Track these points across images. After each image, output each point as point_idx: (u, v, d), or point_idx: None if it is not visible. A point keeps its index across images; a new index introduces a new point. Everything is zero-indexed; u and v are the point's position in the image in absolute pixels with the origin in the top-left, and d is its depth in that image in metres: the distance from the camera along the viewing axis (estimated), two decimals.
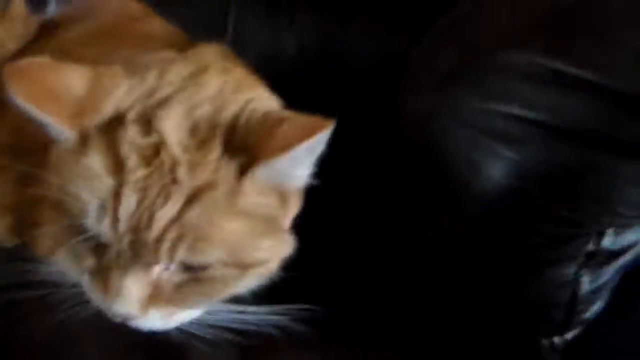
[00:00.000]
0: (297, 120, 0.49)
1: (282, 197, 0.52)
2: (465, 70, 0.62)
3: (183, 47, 0.74)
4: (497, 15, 0.64)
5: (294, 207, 0.56)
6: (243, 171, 0.48)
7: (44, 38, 0.76)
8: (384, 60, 1.17)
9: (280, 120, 0.49)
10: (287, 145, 0.47)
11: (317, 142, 0.47)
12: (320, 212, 0.59)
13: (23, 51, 0.74)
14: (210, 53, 0.60)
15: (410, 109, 0.67)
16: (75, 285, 0.55)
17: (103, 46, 0.70)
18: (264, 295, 0.56)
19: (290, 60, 0.89)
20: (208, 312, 0.54)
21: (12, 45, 0.74)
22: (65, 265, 0.57)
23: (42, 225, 0.60)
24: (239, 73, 0.57)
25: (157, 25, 0.80)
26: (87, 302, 0.53)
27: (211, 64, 0.56)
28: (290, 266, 0.55)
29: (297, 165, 0.50)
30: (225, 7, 1.10)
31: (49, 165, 0.53)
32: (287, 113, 0.52)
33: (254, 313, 0.54)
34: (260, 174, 0.48)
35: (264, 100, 0.54)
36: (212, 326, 0.54)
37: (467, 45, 0.64)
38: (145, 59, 0.58)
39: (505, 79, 0.58)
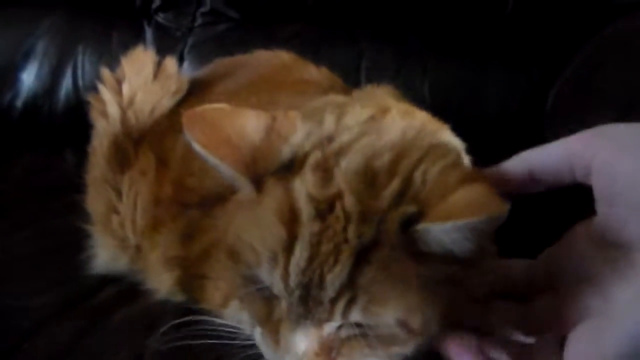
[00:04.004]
0: (473, 192, 0.43)
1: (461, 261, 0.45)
2: None
3: (341, 90, 0.73)
4: None
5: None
6: (408, 225, 0.43)
7: (198, 93, 0.78)
8: (518, 103, 1.14)
9: (458, 184, 0.44)
10: (451, 217, 0.41)
11: (484, 223, 0.41)
12: None
13: (178, 107, 0.76)
14: (383, 95, 0.57)
15: None
16: (248, 338, 0.53)
17: (263, 94, 0.69)
18: None
19: (424, 106, 0.88)
20: None
21: (167, 102, 0.76)
22: (238, 317, 0.55)
23: (211, 278, 0.59)
24: (421, 116, 0.54)
25: (312, 70, 0.81)
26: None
27: (391, 107, 0.53)
28: None
29: (461, 237, 0.43)
30: (357, 59, 1.11)
31: (227, 213, 0.51)
32: (468, 174, 0.46)
33: None
34: (424, 233, 0.43)
35: (447, 144, 0.51)
36: None
37: None
38: (315, 103, 0.57)
39: None
